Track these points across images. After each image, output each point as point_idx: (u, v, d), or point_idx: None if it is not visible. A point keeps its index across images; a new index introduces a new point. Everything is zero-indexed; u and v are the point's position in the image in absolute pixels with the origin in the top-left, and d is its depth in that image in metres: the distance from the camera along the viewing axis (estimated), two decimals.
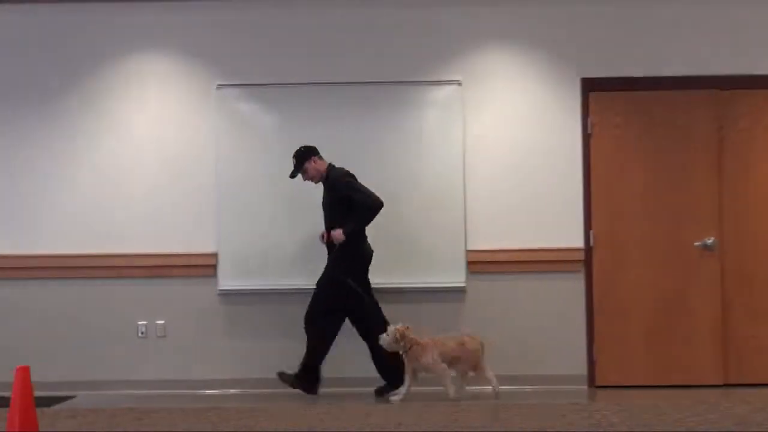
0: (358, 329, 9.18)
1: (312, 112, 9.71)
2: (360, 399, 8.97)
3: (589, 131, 9.78)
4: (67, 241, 9.68)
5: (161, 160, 9.78)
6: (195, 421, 7.79)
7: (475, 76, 9.76)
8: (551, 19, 9.79)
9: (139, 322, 9.72)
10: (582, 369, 9.66)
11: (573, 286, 9.68)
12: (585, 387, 9.61)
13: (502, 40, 9.80)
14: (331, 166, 9.24)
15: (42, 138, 9.79)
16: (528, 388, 9.51)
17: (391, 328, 8.74)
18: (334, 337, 9.12)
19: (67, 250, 9.67)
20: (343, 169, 9.20)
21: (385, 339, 8.73)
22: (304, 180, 9.27)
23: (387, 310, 9.44)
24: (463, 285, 9.65)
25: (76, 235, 9.70)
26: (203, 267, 9.68)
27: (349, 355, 9.33)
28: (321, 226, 9.26)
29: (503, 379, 9.37)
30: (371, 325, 9.03)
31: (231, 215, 9.71)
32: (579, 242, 9.69)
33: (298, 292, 9.51)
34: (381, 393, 9.12)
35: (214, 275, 9.70)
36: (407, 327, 8.75)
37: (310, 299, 9.11)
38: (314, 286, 9.21)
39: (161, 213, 9.76)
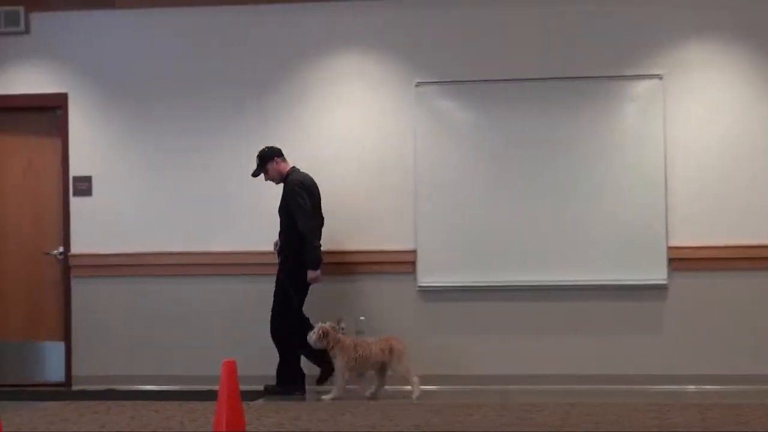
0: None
1: (510, 108, 9.67)
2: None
3: None
4: (269, 239, 9.86)
5: (361, 158, 9.88)
6: (395, 417, 7.84)
7: (677, 70, 9.52)
8: (759, 8, 9.48)
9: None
10: None
11: None
12: None
13: (706, 31, 9.55)
14: (292, 170, 9.40)
15: (240, 139, 9.96)
16: (735, 388, 9.23)
17: (317, 326, 8.88)
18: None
19: (267, 247, 9.86)
20: (302, 176, 9.35)
21: (311, 336, 8.87)
22: (266, 180, 9.43)
23: (583, 307, 9.38)
24: (664, 282, 9.45)
25: (276, 232, 9.88)
26: (402, 264, 9.74)
27: None
28: (523, 224, 9.26)
29: (708, 379, 9.17)
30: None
31: (429, 211, 9.74)
32: None
33: (500, 289, 9.56)
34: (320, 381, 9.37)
35: (413, 272, 9.75)
36: (333, 326, 8.88)
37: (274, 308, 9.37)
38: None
39: (360, 210, 9.86)
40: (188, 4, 10.08)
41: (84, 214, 10.15)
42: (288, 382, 9.34)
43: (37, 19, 10.26)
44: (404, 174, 9.78)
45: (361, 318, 9.73)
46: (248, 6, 10.02)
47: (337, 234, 9.81)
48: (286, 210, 9.35)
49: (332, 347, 8.89)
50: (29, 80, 10.29)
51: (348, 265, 9.81)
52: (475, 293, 9.63)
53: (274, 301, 9.39)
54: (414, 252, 9.74)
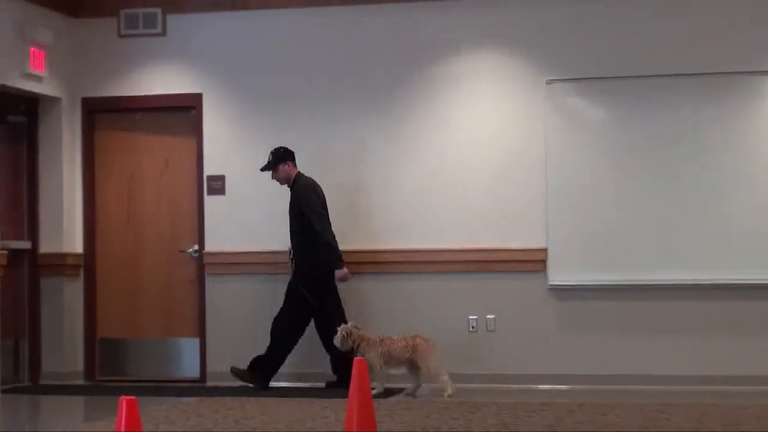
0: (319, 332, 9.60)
1: (642, 105, 9.55)
2: None
3: None
4: (398, 237, 9.89)
5: (491, 155, 9.85)
6: (524, 417, 7.80)
7: None
8: None
9: (470, 317, 9.83)
10: None
11: None
12: None
13: None
14: (298, 175, 9.55)
15: (369, 139, 10.02)
16: None
17: (340, 327, 8.97)
18: (297, 339, 9.64)
19: (396, 245, 9.90)
20: (309, 180, 9.50)
21: (336, 338, 9.00)
22: (272, 179, 9.57)
23: (722, 307, 9.22)
24: None
25: (407, 230, 9.90)
26: (533, 262, 9.68)
27: None
28: (655, 222, 9.20)
29: None
30: (328, 327, 9.31)
31: (560, 209, 9.67)
32: None
33: (632, 288, 9.46)
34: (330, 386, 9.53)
35: (544, 270, 9.68)
36: (355, 326, 8.95)
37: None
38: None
39: (491, 208, 9.82)
40: (319, 4, 10.17)
41: (217, 212, 10.31)
42: (266, 373, 9.64)
43: (174, 20, 10.46)
44: (535, 171, 9.72)
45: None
46: (378, 5, 10.06)
47: (467, 231, 9.81)
48: (297, 213, 9.49)
49: (358, 345, 8.98)
50: (166, 81, 10.51)
51: (479, 263, 9.79)
52: (607, 292, 9.53)
53: (284, 303, 9.58)
54: (545, 250, 9.67)
